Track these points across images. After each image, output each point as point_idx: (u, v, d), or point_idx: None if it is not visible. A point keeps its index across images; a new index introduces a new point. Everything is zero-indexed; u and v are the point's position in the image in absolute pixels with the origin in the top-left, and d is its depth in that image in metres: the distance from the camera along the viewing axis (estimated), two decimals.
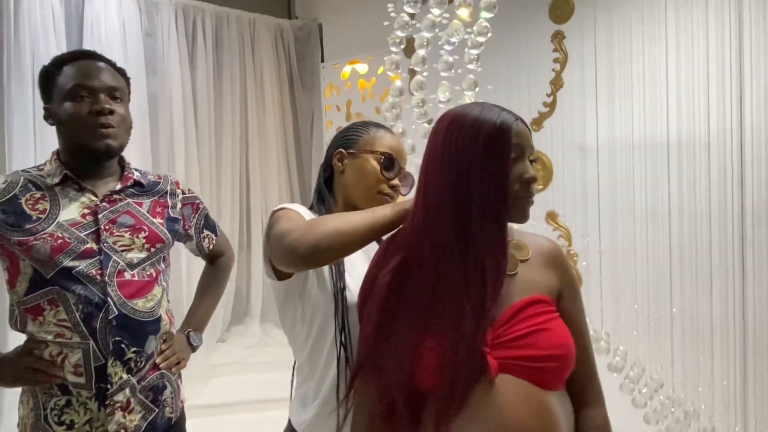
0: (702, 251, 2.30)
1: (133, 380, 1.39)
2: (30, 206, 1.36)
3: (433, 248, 0.99)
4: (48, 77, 1.41)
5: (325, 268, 1.24)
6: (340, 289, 1.21)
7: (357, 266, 1.25)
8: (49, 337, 1.34)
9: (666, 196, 2.37)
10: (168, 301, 1.54)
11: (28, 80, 2.84)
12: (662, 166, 2.39)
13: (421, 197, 1.03)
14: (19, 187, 1.38)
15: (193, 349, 1.61)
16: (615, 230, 2.52)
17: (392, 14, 1.60)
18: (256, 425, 3.21)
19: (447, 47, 1.49)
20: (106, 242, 1.38)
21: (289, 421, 1.33)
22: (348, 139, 1.35)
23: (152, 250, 1.45)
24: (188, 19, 3.86)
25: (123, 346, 1.36)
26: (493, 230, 0.98)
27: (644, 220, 2.43)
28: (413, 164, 1.38)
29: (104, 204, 1.41)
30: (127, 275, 1.39)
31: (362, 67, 4.24)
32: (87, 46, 3.12)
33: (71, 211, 1.38)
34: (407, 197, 1.23)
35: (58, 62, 1.41)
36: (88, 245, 1.36)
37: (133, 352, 1.38)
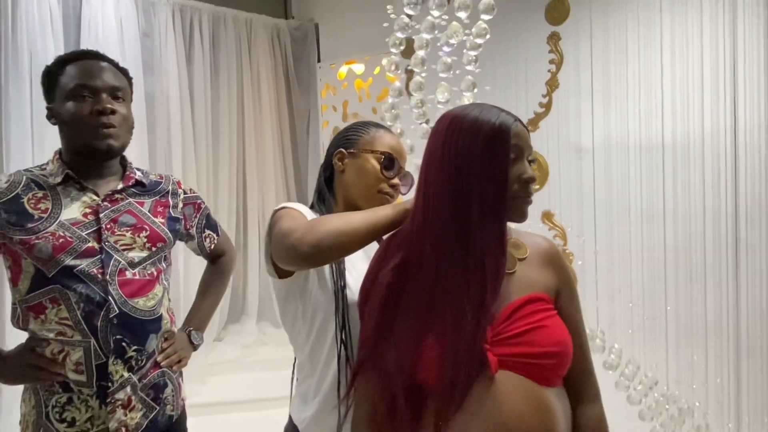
0: (696, 251, 2.32)
1: (134, 378, 1.39)
2: (32, 205, 1.37)
3: (433, 247, 1.00)
4: (51, 77, 1.42)
5: (326, 267, 1.25)
6: (340, 288, 1.22)
7: (357, 265, 1.26)
8: (51, 335, 1.35)
9: (661, 197, 2.39)
10: (169, 300, 1.55)
11: (26, 80, 2.84)
12: (657, 167, 2.41)
13: (421, 197, 1.04)
14: (21, 186, 1.38)
15: (194, 347, 1.62)
16: (610, 230, 2.54)
17: (392, 16, 1.61)
18: (254, 424, 3.23)
19: (446, 48, 1.50)
20: (108, 241, 1.38)
21: (290, 417, 1.34)
22: (348, 139, 1.36)
23: (153, 249, 1.46)
24: (185, 18, 3.86)
25: (124, 344, 1.37)
26: (492, 229, 0.99)
27: (639, 221, 2.45)
28: (412, 164, 1.39)
29: (106, 203, 1.42)
30: (128, 274, 1.40)
31: (359, 68, 4.25)
32: (84, 45, 3.12)
33: (73, 210, 1.39)
34: (407, 197, 1.24)
35: (61, 62, 1.42)
36: (90, 244, 1.36)
37: (134, 350, 1.39)
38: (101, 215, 1.40)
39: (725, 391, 2.22)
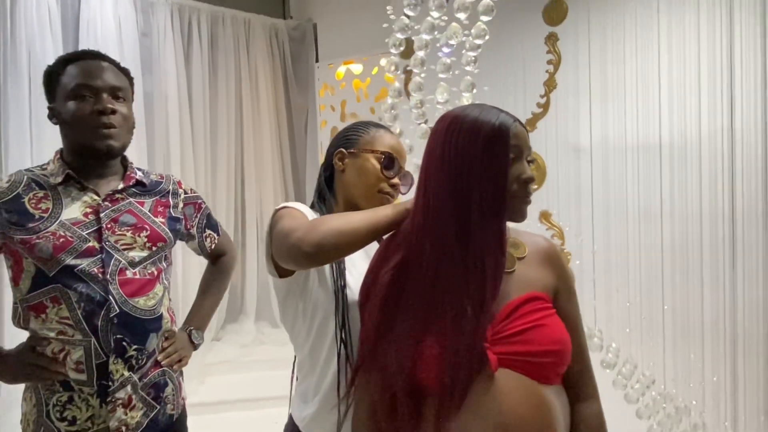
0: (693, 250, 2.33)
1: (135, 377, 1.40)
2: (33, 205, 1.37)
3: (434, 247, 1.01)
4: (52, 77, 1.42)
5: (326, 266, 1.25)
6: (340, 287, 1.22)
7: (357, 265, 1.27)
8: (52, 335, 1.35)
9: (658, 197, 2.40)
10: (170, 299, 1.55)
11: (25, 80, 2.85)
12: (654, 167, 2.41)
13: (422, 197, 1.05)
14: (22, 186, 1.39)
15: (195, 347, 1.62)
16: (608, 230, 2.54)
17: (392, 17, 1.62)
18: (252, 423, 3.24)
19: (445, 49, 1.51)
20: (108, 241, 1.39)
21: (290, 416, 1.35)
22: (348, 139, 1.36)
23: (154, 248, 1.46)
24: (184, 18, 3.87)
25: (124, 343, 1.37)
26: (492, 229, 1.00)
27: (637, 220, 2.46)
28: (411, 164, 1.40)
29: (106, 203, 1.43)
30: (129, 273, 1.40)
31: (357, 68, 4.26)
32: (83, 45, 3.13)
33: (73, 210, 1.39)
34: (407, 196, 1.25)
35: (63, 62, 1.42)
36: (90, 244, 1.37)
37: (135, 349, 1.39)
38: (102, 215, 1.40)
39: (722, 390, 2.23)
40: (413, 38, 1.62)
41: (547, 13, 2.69)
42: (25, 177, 1.41)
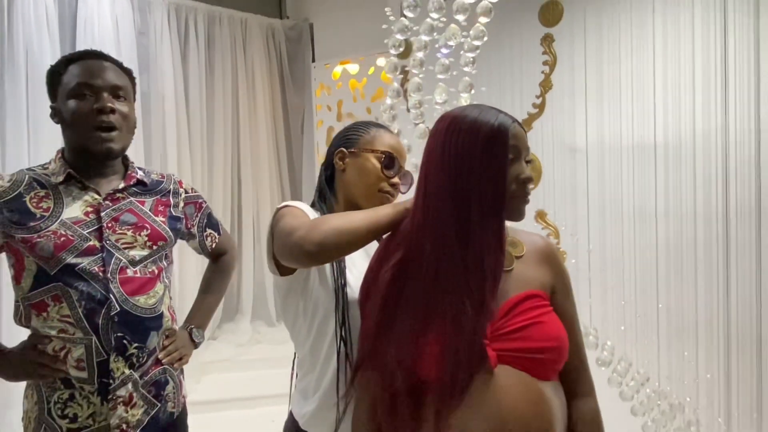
0: (687, 250, 2.35)
1: (136, 375, 1.40)
2: (34, 204, 1.38)
3: (434, 246, 1.02)
4: (54, 76, 1.43)
5: (327, 265, 1.26)
6: (341, 286, 1.24)
7: (357, 263, 1.28)
8: (53, 333, 1.36)
9: (653, 197, 2.42)
10: (170, 298, 1.56)
11: (22, 79, 2.84)
12: (649, 167, 2.43)
13: (422, 196, 1.06)
14: (23, 185, 1.39)
15: (196, 345, 1.64)
16: (603, 229, 2.56)
17: (391, 17, 1.63)
18: (248, 421, 3.25)
19: (444, 50, 1.53)
20: (109, 240, 1.39)
21: (291, 413, 1.36)
22: (349, 139, 1.38)
23: (154, 247, 1.47)
24: (180, 18, 3.88)
25: (125, 341, 1.38)
26: (491, 228, 1.01)
27: (631, 220, 2.48)
28: (410, 163, 1.41)
29: (107, 202, 1.43)
30: (130, 272, 1.41)
31: (353, 68, 4.27)
32: (80, 44, 3.13)
33: (74, 209, 1.40)
34: (407, 196, 1.26)
35: (65, 61, 1.43)
36: (91, 243, 1.38)
37: (135, 347, 1.40)
38: (102, 214, 1.41)
39: (715, 387, 2.25)
40: (413, 39, 1.64)
41: (543, 15, 2.71)
42: (27, 176, 1.42)
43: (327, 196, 1.37)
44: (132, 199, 1.49)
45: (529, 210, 1.10)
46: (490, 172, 1.00)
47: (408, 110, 1.79)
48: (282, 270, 1.26)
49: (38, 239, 1.34)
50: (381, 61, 4.06)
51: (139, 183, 1.52)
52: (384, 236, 1.17)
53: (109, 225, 1.41)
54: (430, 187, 1.04)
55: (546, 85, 2.76)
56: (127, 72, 1.50)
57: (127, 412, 1.39)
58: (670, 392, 2.27)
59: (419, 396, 1.01)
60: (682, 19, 2.34)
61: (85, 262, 1.36)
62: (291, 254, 1.12)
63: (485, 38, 1.53)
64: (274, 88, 4.47)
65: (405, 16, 1.63)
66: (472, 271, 1.00)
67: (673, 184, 2.38)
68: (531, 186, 1.08)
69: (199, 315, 1.71)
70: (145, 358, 1.43)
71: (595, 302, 2.42)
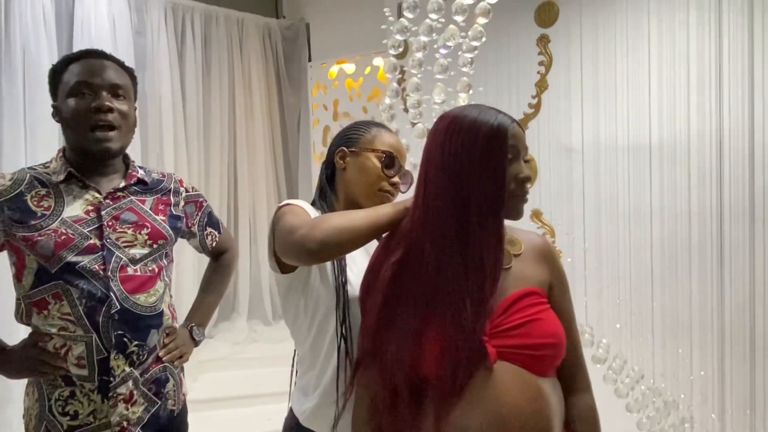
0: (682, 249, 2.36)
1: (136, 373, 1.41)
2: (35, 203, 1.38)
3: (433, 245, 1.03)
4: (55, 76, 1.43)
5: (327, 263, 1.27)
6: (341, 283, 1.25)
7: (358, 262, 1.29)
8: (54, 330, 1.36)
9: (648, 196, 2.44)
10: (171, 296, 1.57)
11: (19, 79, 2.83)
12: (644, 167, 2.45)
13: (421, 196, 1.07)
14: (24, 184, 1.40)
15: (196, 343, 1.64)
16: (598, 228, 2.58)
17: (390, 18, 1.64)
18: (245, 419, 3.25)
19: (443, 51, 1.54)
20: (109, 238, 1.40)
21: (291, 409, 1.37)
22: (350, 138, 1.39)
23: (154, 246, 1.48)
24: (177, 17, 3.88)
25: (125, 339, 1.39)
26: (491, 227, 1.03)
27: (627, 219, 2.50)
28: (409, 163, 1.43)
29: (107, 201, 1.44)
30: (130, 270, 1.41)
31: (349, 67, 4.28)
32: (77, 44, 3.13)
33: (75, 208, 1.41)
34: (406, 195, 1.27)
35: (66, 61, 1.43)
36: (91, 241, 1.38)
37: (136, 345, 1.41)
38: (103, 213, 1.42)
39: (709, 384, 2.27)
40: (411, 39, 1.65)
41: (539, 16, 2.73)
42: (28, 175, 1.42)
43: (327, 195, 1.38)
44: (132, 197, 1.50)
45: (526, 209, 1.12)
46: (489, 171, 1.02)
47: (406, 110, 1.80)
48: (283, 268, 1.28)
49: (39, 238, 1.34)
50: (377, 61, 4.07)
51: (140, 182, 1.53)
52: (384, 235, 1.18)
53: (110, 223, 1.42)
54: (430, 186, 1.05)
55: (542, 86, 2.78)
56: (129, 71, 1.50)
57: (127, 409, 1.40)
58: (665, 389, 2.29)
59: (419, 393, 1.02)
60: (677, 20, 2.36)
61: (85, 260, 1.36)
62: (293, 252, 1.13)
63: (483, 39, 1.54)
64: (270, 87, 4.47)
65: (404, 17, 1.64)
66: (472, 269, 1.01)
67: (668, 184, 2.39)
68: (529, 185, 1.09)
69: (200, 313, 1.72)
70: (145, 356, 1.43)
71: (590, 300, 2.44)
